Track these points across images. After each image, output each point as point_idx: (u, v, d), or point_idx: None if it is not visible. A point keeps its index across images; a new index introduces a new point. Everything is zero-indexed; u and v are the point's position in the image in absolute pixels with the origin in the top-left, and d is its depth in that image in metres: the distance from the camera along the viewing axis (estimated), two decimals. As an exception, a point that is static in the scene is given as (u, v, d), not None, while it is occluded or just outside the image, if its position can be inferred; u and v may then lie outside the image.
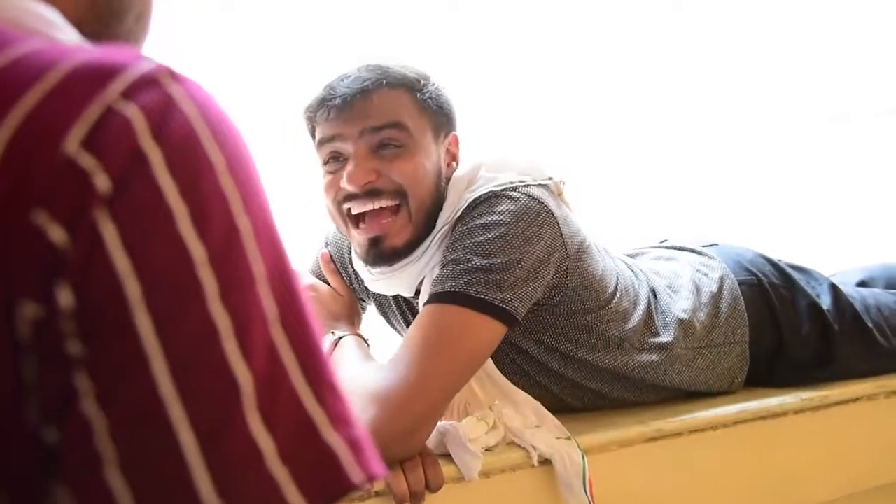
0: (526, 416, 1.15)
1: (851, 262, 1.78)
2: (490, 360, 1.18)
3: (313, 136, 1.20)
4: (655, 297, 1.34)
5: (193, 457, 0.37)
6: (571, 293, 1.19)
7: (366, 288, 1.33)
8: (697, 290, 1.38)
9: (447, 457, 1.07)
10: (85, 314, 0.37)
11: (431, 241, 1.18)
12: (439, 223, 1.19)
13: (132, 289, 0.37)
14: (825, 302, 1.45)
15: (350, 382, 1.03)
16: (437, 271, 1.15)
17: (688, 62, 2.31)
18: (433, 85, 1.20)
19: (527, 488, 1.12)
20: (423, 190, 1.17)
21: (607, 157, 2.24)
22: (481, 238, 1.11)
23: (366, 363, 1.15)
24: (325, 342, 1.22)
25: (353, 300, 1.38)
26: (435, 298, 1.10)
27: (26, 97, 0.38)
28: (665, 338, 1.29)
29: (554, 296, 1.18)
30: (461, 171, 1.21)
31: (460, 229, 1.15)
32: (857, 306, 1.47)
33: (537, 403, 1.17)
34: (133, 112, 0.38)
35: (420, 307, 1.14)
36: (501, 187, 1.16)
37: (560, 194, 1.23)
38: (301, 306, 0.42)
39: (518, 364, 1.24)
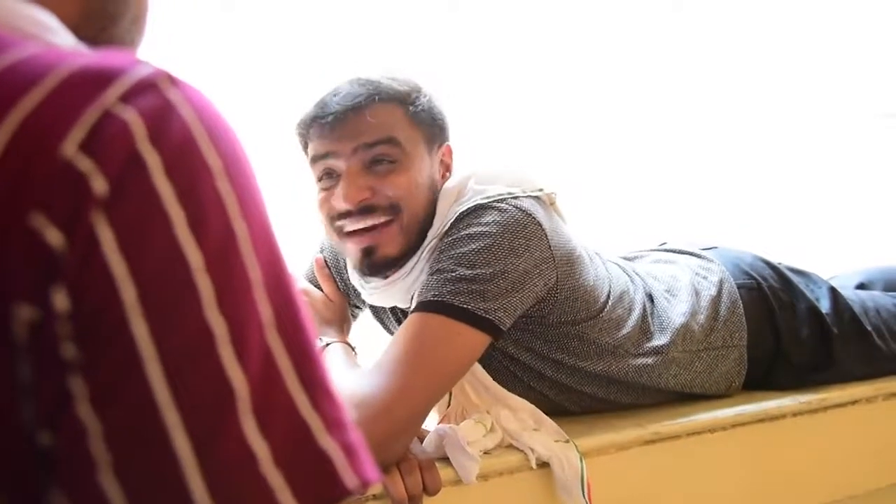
0: (523, 419, 1.15)
1: (850, 265, 1.77)
2: (483, 370, 1.19)
3: (306, 151, 1.21)
4: (652, 301, 1.34)
5: (188, 461, 0.37)
6: (562, 304, 1.19)
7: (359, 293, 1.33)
8: (696, 293, 1.38)
9: (445, 460, 1.07)
10: (80, 317, 0.37)
11: (422, 253, 1.19)
12: (429, 235, 1.19)
13: (128, 292, 0.37)
14: (824, 305, 1.45)
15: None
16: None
17: (688, 62, 2.31)
18: (425, 97, 1.20)
19: (525, 491, 1.12)
20: (417, 203, 1.17)
21: (607, 158, 2.23)
22: (466, 249, 1.11)
23: (350, 370, 1.15)
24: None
25: (344, 307, 1.38)
26: (419, 307, 1.10)
27: (24, 101, 0.38)
28: (661, 341, 1.29)
29: (543, 307, 1.18)
30: (451, 182, 1.21)
31: (447, 240, 1.15)
32: (856, 309, 1.47)
33: (534, 407, 1.17)
34: (131, 116, 0.38)
35: None
36: (489, 199, 1.15)
37: (552, 204, 1.23)
38: (297, 311, 0.42)
39: (511, 371, 1.24)
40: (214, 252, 0.39)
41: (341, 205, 1.14)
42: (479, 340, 1.09)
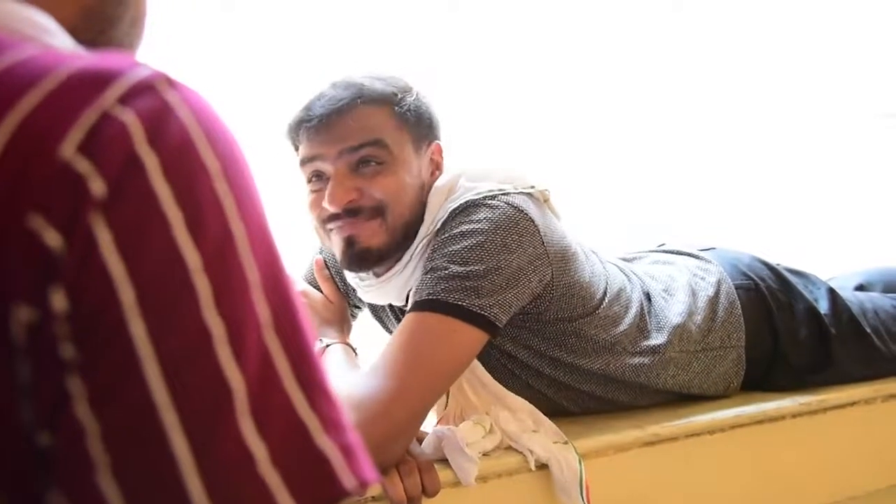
0: (523, 420, 1.15)
1: (849, 266, 1.77)
2: (482, 368, 1.19)
3: (297, 153, 1.21)
4: (649, 300, 1.34)
5: (186, 461, 0.37)
6: (558, 301, 1.19)
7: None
8: (694, 293, 1.38)
9: (444, 462, 1.07)
10: (79, 318, 0.37)
11: (414, 251, 1.19)
12: (421, 233, 1.19)
13: (126, 293, 0.37)
14: (823, 306, 1.45)
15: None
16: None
17: (688, 62, 2.31)
18: (412, 96, 1.21)
19: (524, 493, 1.12)
20: (404, 204, 1.18)
21: (607, 158, 2.24)
22: (458, 246, 1.11)
23: (350, 372, 1.16)
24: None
25: (343, 308, 1.39)
26: (414, 307, 1.10)
27: (22, 102, 0.38)
28: (658, 340, 1.29)
29: (539, 304, 1.18)
30: (441, 180, 1.22)
31: (440, 239, 1.15)
32: (855, 310, 1.47)
33: (533, 408, 1.18)
34: (129, 118, 0.38)
35: None
36: (480, 196, 1.16)
37: (546, 202, 1.23)
38: (295, 312, 0.42)
39: (509, 369, 1.24)
40: (212, 253, 0.39)
41: (329, 207, 1.15)
42: (475, 337, 1.09)
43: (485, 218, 1.13)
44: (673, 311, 1.33)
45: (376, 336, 1.39)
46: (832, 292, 1.48)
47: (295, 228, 1.37)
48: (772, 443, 1.33)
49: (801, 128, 2.39)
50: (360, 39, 1.89)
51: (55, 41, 0.45)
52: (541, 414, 1.17)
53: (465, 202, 1.16)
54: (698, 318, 1.34)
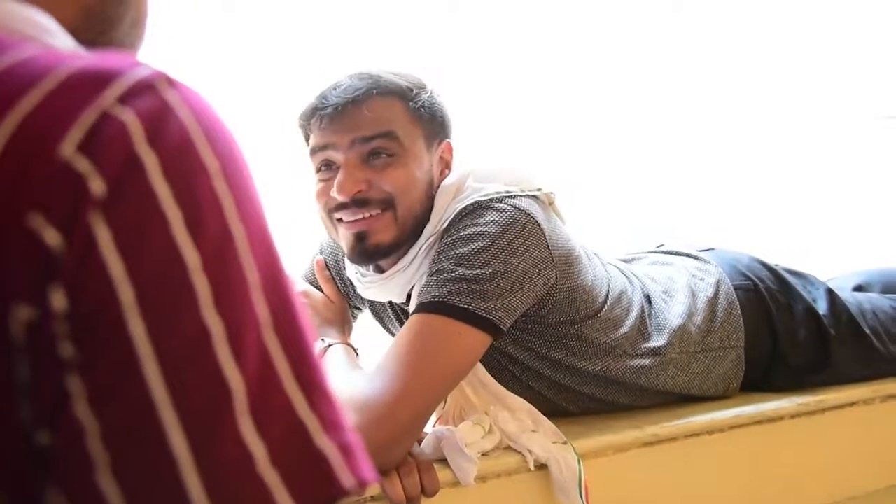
0: (522, 420, 1.16)
1: (848, 267, 1.78)
2: (482, 367, 1.19)
3: (308, 143, 1.21)
4: (650, 302, 1.34)
5: (185, 461, 0.37)
6: (561, 304, 1.19)
7: (359, 295, 1.33)
8: (693, 294, 1.38)
9: (443, 462, 1.07)
10: (78, 317, 0.37)
11: (419, 249, 1.19)
12: (427, 232, 1.19)
13: (125, 293, 0.37)
14: (822, 307, 1.45)
15: (336, 391, 1.03)
16: (424, 280, 1.16)
17: (688, 62, 2.31)
18: (427, 93, 1.21)
19: (523, 493, 1.12)
20: (413, 198, 1.17)
21: (607, 158, 2.24)
22: (465, 249, 1.11)
23: (352, 372, 1.16)
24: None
25: (344, 308, 1.39)
26: (419, 308, 1.10)
27: (22, 102, 0.38)
28: (658, 342, 1.29)
29: (543, 307, 1.18)
30: (449, 179, 1.22)
31: (446, 240, 1.15)
32: (854, 311, 1.47)
33: (532, 408, 1.18)
34: (129, 117, 0.38)
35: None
36: (487, 197, 1.16)
37: (551, 204, 1.23)
38: (294, 312, 0.42)
39: (510, 370, 1.24)
40: (211, 252, 0.39)
41: (337, 196, 1.15)
42: (479, 340, 1.09)
43: (492, 221, 1.13)
44: (673, 312, 1.34)
45: (377, 336, 1.39)
46: (831, 293, 1.48)
47: (295, 228, 1.37)
48: (771, 443, 1.33)
49: (801, 129, 2.39)
50: (360, 39, 1.89)
51: (56, 41, 0.45)
52: (540, 414, 1.17)
53: (473, 203, 1.16)
54: (698, 319, 1.34)
